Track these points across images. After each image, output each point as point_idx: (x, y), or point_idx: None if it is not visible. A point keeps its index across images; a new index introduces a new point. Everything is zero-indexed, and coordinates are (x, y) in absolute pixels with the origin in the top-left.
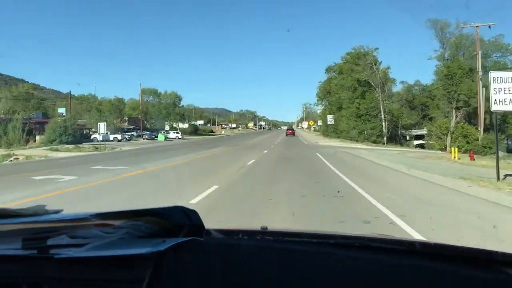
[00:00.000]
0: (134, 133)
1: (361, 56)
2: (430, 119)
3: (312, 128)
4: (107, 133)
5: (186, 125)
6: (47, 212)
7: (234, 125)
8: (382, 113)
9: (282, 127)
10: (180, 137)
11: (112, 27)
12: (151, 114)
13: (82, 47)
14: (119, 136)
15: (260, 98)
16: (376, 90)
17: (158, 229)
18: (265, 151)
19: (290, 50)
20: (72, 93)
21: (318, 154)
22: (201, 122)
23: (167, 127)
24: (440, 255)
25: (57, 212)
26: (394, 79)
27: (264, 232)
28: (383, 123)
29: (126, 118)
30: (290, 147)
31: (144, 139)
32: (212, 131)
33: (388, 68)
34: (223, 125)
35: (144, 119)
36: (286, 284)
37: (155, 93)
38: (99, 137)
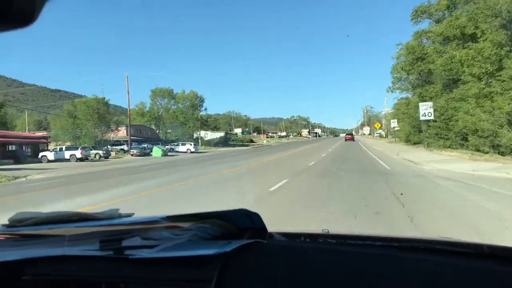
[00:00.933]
0: (125, 147)
1: None
2: None
3: (377, 134)
4: (60, 149)
5: (218, 134)
6: (120, 216)
7: (284, 133)
8: None
9: (340, 135)
10: (193, 150)
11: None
12: (164, 121)
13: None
14: (78, 153)
15: (315, 105)
16: None
17: (222, 231)
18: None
19: (349, 55)
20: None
21: None
22: (238, 130)
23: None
24: (509, 258)
25: (129, 215)
26: None
27: (326, 235)
28: None
29: (118, 128)
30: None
31: (132, 155)
32: (252, 141)
33: None
34: (269, 134)
35: (157, 127)
36: (351, 287)
37: (169, 94)
38: (50, 155)
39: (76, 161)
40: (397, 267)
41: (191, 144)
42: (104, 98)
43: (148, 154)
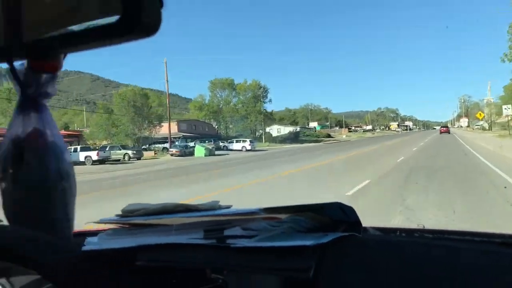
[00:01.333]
0: (167, 145)
1: None
2: None
3: (477, 126)
4: (74, 149)
5: (287, 129)
6: (220, 207)
7: (369, 127)
8: None
9: (435, 127)
10: (248, 147)
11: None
12: (223, 115)
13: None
14: (93, 155)
15: (406, 95)
16: None
17: (315, 225)
18: None
19: (446, 45)
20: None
21: None
22: (314, 124)
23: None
24: None
25: (227, 207)
26: None
27: (422, 230)
28: None
29: (160, 124)
30: None
31: (172, 155)
32: (329, 136)
33: None
34: (352, 128)
35: (217, 122)
36: (451, 282)
37: (229, 85)
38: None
39: (92, 164)
40: (497, 263)
41: (246, 141)
42: (142, 88)
43: (191, 154)
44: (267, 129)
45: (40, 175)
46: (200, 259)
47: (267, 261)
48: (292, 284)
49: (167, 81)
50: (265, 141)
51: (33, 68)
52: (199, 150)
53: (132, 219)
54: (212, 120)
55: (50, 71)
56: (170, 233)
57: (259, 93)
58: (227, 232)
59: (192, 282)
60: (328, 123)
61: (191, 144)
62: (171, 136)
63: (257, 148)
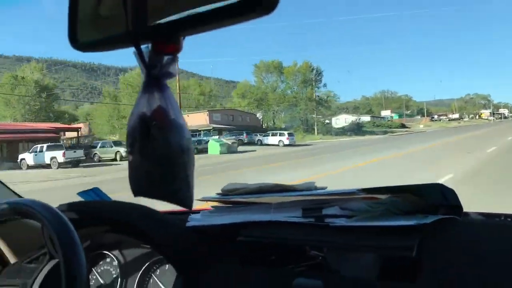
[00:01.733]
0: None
1: None
2: None
3: None
4: (40, 149)
5: (350, 119)
6: (316, 188)
7: (456, 115)
8: None
9: None
10: (286, 142)
11: None
12: (270, 103)
13: None
14: (60, 156)
15: (499, 80)
16: None
17: (413, 207)
18: None
19: None
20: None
21: None
22: (386, 113)
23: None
24: None
25: (323, 188)
26: None
27: None
28: None
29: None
30: None
31: None
32: (403, 126)
33: None
34: (435, 116)
35: (262, 112)
36: None
37: (275, 68)
38: (29, 158)
39: (57, 168)
40: None
41: (283, 135)
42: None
43: (204, 151)
44: (333, 120)
45: (165, 149)
46: (299, 237)
47: (369, 240)
48: (392, 263)
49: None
50: (318, 133)
51: (156, 50)
52: (213, 146)
53: (232, 197)
54: (256, 109)
55: (171, 52)
56: (269, 211)
57: (311, 77)
58: (325, 211)
59: (291, 259)
60: (409, 111)
61: (207, 138)
62: (201, 129)
63: (299, 143)
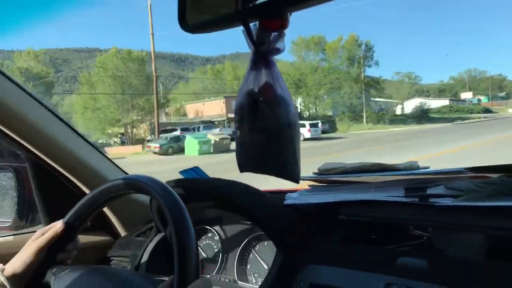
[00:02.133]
0: (177, 133)
1: None
2: None
3: None
4: None
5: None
6: (419, 167)
7: None
8: None
9: None
10: (308, 135)
11: None
12: (308, 87)
13: None
14: None
15: None
16: None
17: None
18: None
19: None
20: None
21: None
22: (467, 95)
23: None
24: None
25: (425, 168)
26: None
27: None
28: None
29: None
30: None
31: (155, 153)
32: (488, 111)
33: None
34: None
35: (300, 98)
36: None
37: (316, 44)
38: None
39: None
40: None
41: (305, 126)
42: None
43: (181, 150)
44: (405, 104)
45: (273, 123)
46: (403, 216)
47: (478, 220)
48: (501, 244)
49: (152, 35)
50: (367, 122)
51: (264, 27)
52: (191, 145)
53: (329, 176)
54: (296, 95)
55: (278, 29)
56: (369, 190)
57: (358, 54)
58: (429, 191)
59: (393, 238)
60: (503, 93)
61: (178, 135)
62: (214, 119)
63: (341, 134)
